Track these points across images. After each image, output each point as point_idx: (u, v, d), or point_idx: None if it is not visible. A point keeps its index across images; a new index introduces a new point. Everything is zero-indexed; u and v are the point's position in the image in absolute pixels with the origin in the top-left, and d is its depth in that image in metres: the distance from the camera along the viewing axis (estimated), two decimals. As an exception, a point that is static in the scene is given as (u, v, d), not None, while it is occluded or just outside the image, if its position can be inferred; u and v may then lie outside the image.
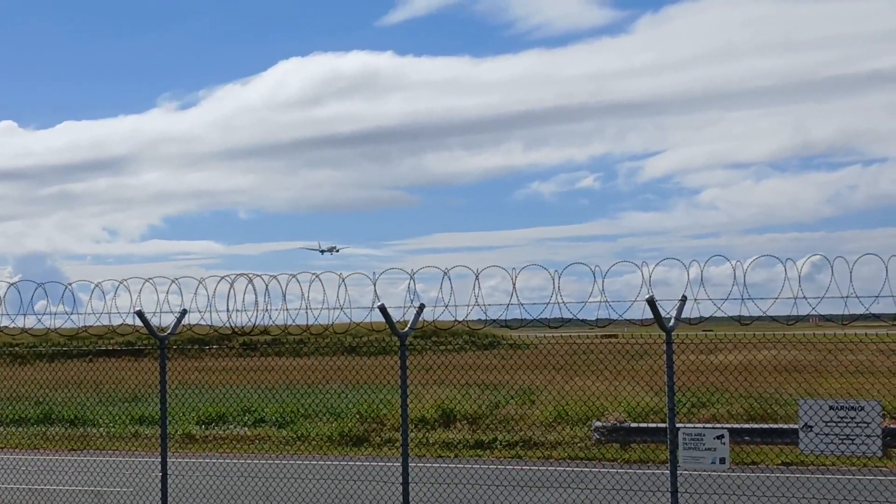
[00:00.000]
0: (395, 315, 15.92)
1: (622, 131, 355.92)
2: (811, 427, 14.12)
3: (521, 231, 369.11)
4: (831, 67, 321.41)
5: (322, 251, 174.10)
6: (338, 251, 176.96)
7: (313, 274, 16.15)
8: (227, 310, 16.61)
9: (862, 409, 13.92)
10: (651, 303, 14.02)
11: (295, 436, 32.96)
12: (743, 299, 13.92)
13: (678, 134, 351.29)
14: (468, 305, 15.16)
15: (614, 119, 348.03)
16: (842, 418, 14.00)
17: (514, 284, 14.89)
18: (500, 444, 29.92)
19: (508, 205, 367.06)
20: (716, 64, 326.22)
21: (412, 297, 15.80)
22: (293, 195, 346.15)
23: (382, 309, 15.52)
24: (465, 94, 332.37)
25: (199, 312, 16.94)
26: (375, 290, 15.75)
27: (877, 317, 13.73)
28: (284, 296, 16.27)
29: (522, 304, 14.88)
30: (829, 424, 14.05)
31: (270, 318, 16.57)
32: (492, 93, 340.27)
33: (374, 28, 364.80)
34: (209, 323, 16.96)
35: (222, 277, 16.75)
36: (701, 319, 14.76)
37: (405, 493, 16.07)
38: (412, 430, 31.13)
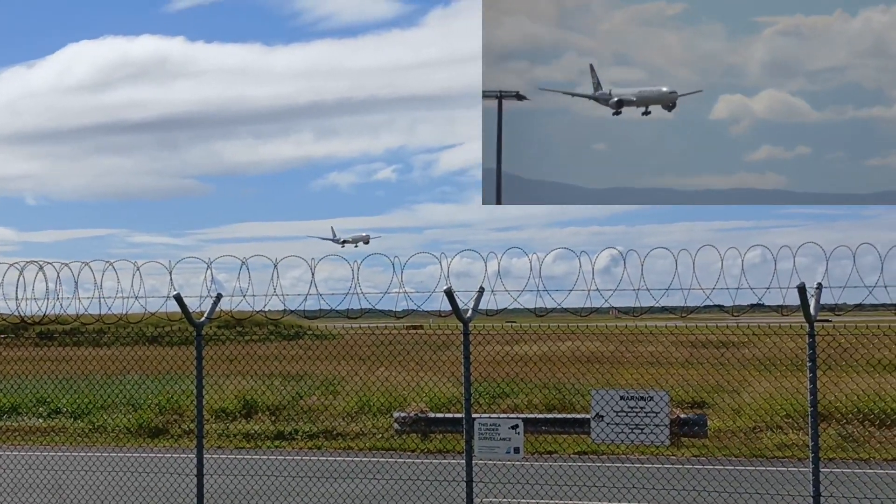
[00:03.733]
0: (193, 305, 15.70)
1: (413, 124, 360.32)
2: (602, 417, 14.47)
3: (322, 221, 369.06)
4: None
5: (342, 242, 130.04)
6: (367, 243, 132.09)
7: (107, 262, 15.77)
8: (17, 298, 16.11)
9: (651, 399, 14.32)
10: (448, 294, 14.20)
11: (91, 427, 32.13)
12: (539, 291, 14.19)
13: (470, 127, 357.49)
14: (266, 295, 15.07)
15: (406, 111, 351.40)
16: (632, 408, 14.37)
17: (313, 274, 14.86)
18: (302, 435, 29.77)
19: (307, 195, 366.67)
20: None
21: (210, 286, 15.38)
22: (83, 182, 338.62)
23: (178, 298, 15.30)
24: (255, 83, 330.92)
25: (-14, 301, 16.41)
26: (171, 279, 15.44)
27: (670, 310, 14.16)
28: (77, 284, 15.86)
29: (321, 295, 14.89)
30: (619, 414, 14.41)
31: (62, 307, 16.14)
32: (282, 82, 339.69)
33: (164, 12, 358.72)
34: (-5, 311, 16.46)
35: (11, 265, 16.23)
36: (498, 311, 14.96)
37: (199, 485, 15.86)
38: (213, 422, 30.76)
